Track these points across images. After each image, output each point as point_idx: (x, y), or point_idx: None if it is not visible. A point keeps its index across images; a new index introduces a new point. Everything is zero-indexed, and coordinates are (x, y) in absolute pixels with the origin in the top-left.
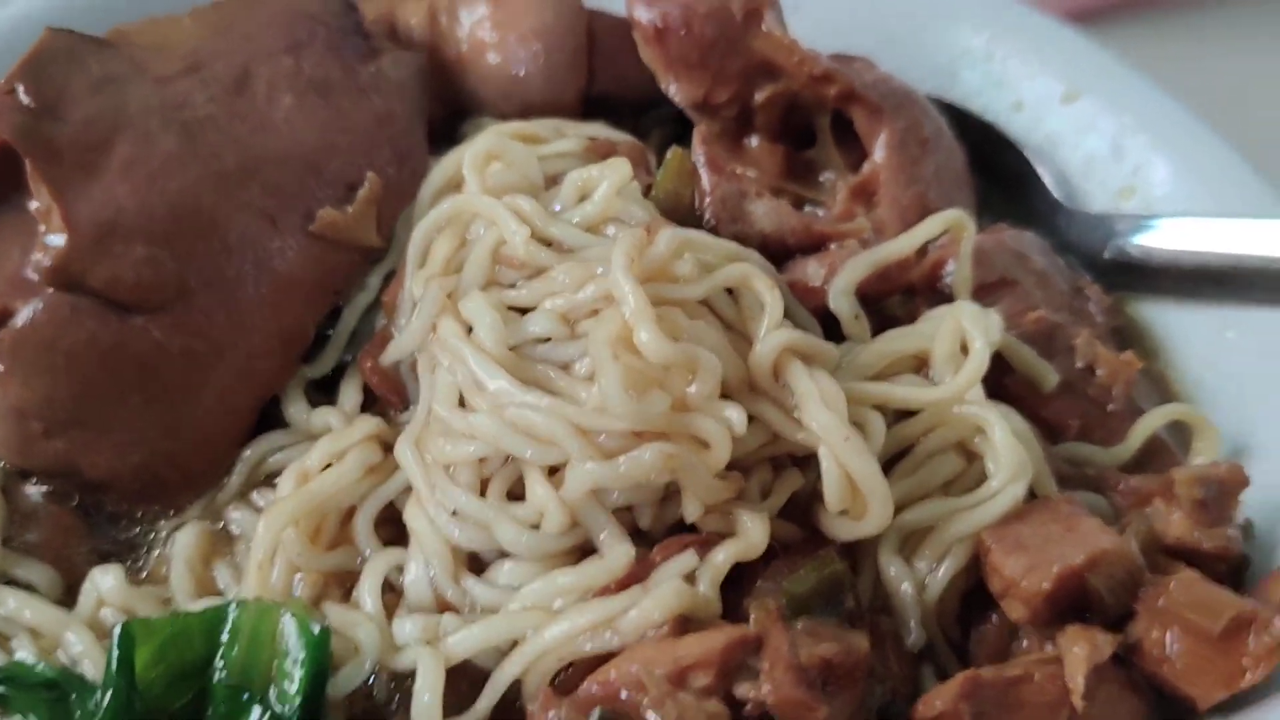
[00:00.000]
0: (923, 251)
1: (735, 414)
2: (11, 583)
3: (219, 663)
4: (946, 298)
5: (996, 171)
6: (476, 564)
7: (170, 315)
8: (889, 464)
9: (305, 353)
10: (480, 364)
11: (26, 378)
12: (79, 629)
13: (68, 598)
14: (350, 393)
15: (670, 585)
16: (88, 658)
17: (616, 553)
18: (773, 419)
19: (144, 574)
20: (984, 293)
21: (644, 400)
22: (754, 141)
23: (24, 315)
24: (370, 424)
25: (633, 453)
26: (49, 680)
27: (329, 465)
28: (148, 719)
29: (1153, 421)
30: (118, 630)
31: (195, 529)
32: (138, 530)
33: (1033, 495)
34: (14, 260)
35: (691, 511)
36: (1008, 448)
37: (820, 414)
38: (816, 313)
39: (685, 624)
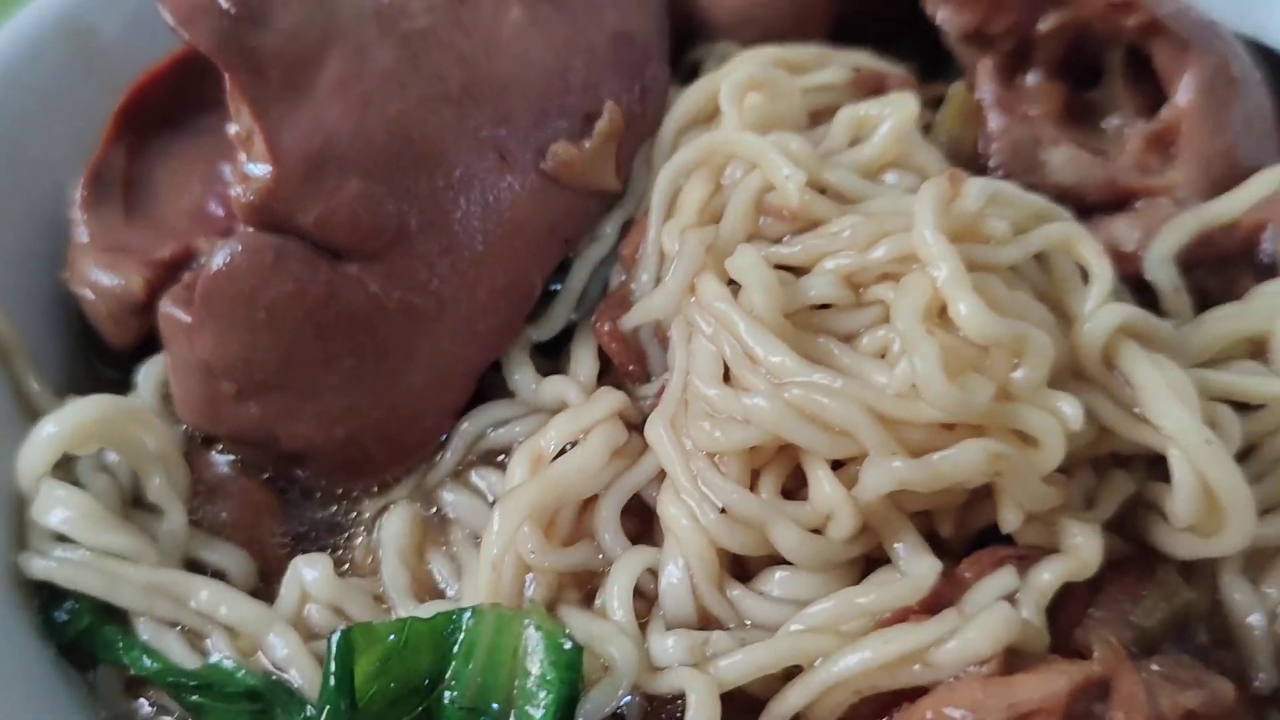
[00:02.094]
0: None
1: (1070, 408)
2: (199, 568)
3: (450, 680)
4: (1266, 269)
5: None
6: (739, 569)
7: (388, 263)
8: None
9: (530, 311)
10: (754, 333)
11: (221, 332)
12: (284, 629)
13: (262, 587)
14: (585, 359)
15: (996, 612)
16: (295, 664)
17: (920, 567)
18: (1106, 413)
19: (346, 565)
20: None
21: (965, 387)
22: (1030, 79)
23: (219, 258)
24: (614, 399)
25: (950, 451)
26: (251, 689)
27: (567, 446)
28: None
29: None
30: (336, 637)
31: (405, 512)
32: (336, 509)
33: None
34: (194, 192)
35: (1011, 521)
36: None
37: (1172, 410)
38: (1128, 283)
39: (1012, 659)
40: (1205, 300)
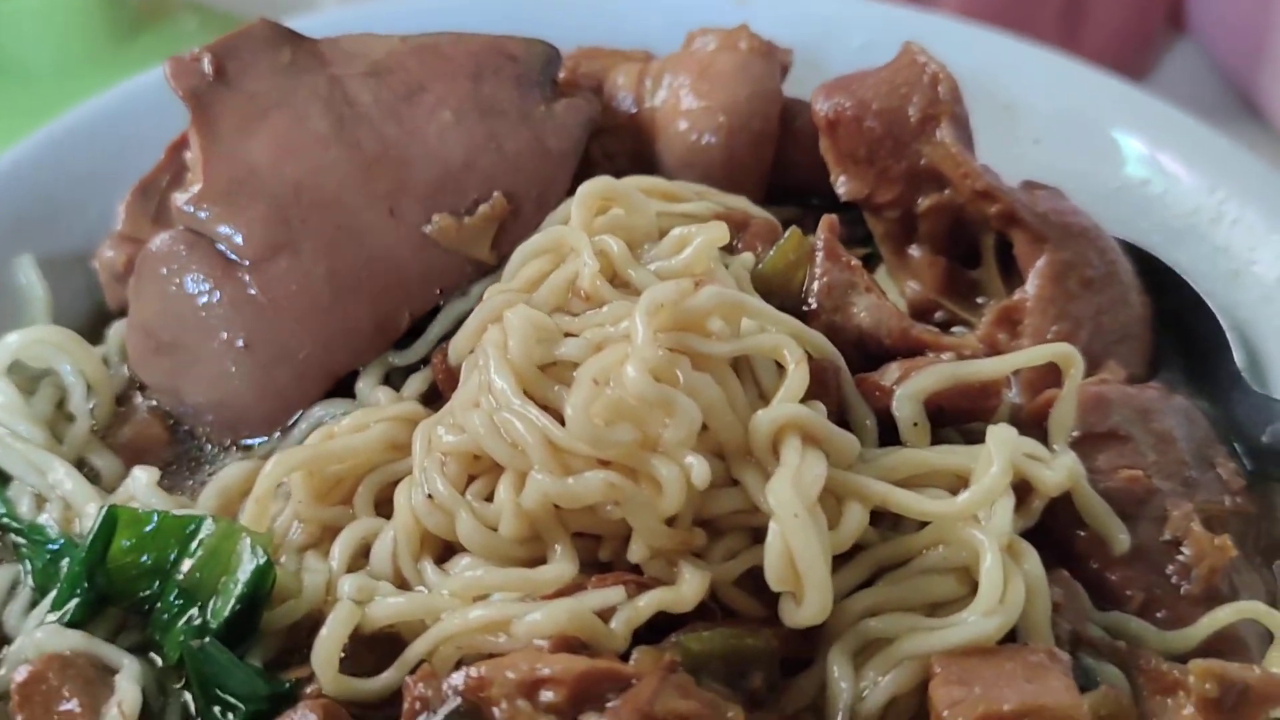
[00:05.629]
0: (1039, 388)
1: (697, 464)
2: (86, 465)
3: (184, 566)
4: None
5: (1188, 336)
6: (448, 552)
7: (273, 272)
8: (881, 572)
9: (398, 341)
10: (496, 367)
11: (147, 296)
12: (96, 508)
13: None
14: (415, 381)
15: (566, 603)
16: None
17: (555, 569)
18: (751, 486)
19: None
20: (1087, 441)
21: (610, 428)
22: (914, 251)
23: (154, 243)
24: (407, 406)
25: (582, 475)
26: (53, 541)
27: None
28: (112, 598)
29: (1223, 616)
30: (104, 510)
31: (246, 466)
32: (206, 451)
33: None
34: None
35: (634, 551)
36: (991, 578)
37: (782, 487)
38: (882, 414)
39: (575, 647)
40: None
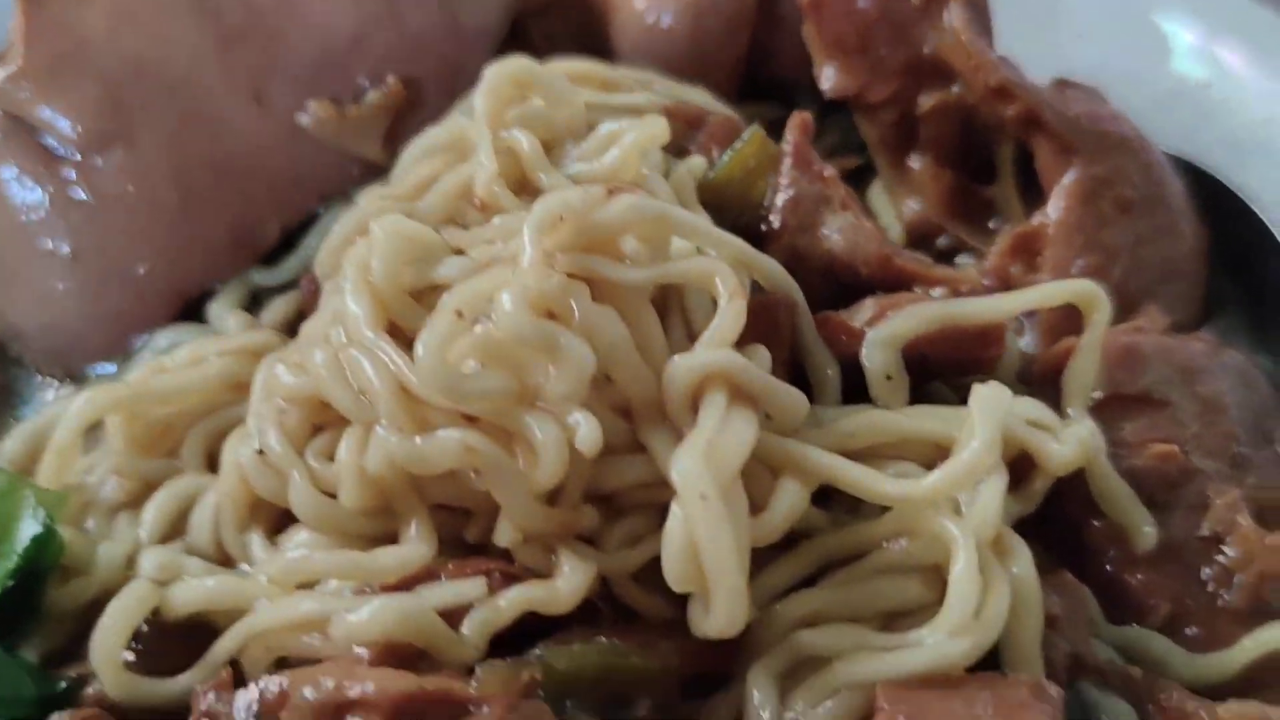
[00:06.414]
0: (1058, 334)
1: (585, 424)
2: None
3: None
4: None
5: (1252, 276)
6: (290, 523)
7: (104, 169)
8: (830, 568)
9: (266, 256)
10: (352, 292)
11: None
12: None
13: None
14: (279, 305)
15: (399, 601)
16: None
17: (403, 551)
18: (660, 453)
19: None
20: (1112, 406)
21: (474, 375)
22: (915, 161)
23: None
24: (256, 336)
25: (435, 434)
26: None
27: None
28: None
29: (1272, 637)
30: None
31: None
32: (37, 381)
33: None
34: None
35: (502, 534)
36: (963, 587)
37: (689, 458)
38: (850, 363)
39: (409, 657)
40: None
